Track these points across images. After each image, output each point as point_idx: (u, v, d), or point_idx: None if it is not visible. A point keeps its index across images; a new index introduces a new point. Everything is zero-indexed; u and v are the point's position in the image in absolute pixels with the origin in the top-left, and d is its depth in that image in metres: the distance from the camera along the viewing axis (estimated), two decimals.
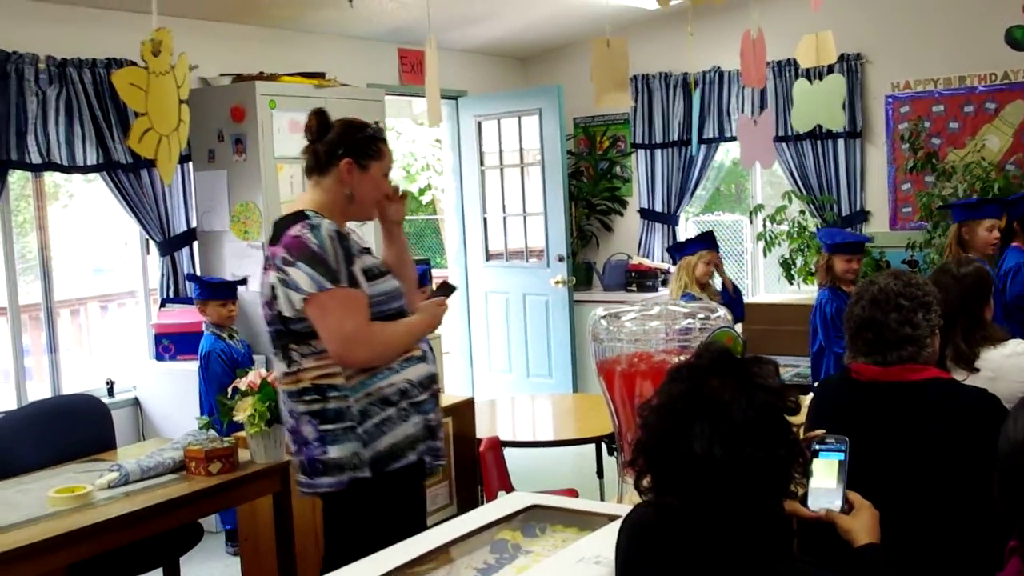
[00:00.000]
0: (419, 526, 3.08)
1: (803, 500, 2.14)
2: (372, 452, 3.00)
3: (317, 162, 3.13)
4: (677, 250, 5.96)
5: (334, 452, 2.99)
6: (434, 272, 8.28)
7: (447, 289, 3.40)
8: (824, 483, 2.15)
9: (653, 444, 1.83)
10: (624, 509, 2.75)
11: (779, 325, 6.30)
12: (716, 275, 5.94)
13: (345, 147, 3.09)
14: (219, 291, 5.46)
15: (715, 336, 2.77)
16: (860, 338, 2.60)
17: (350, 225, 3.17)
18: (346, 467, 2.99)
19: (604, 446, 4.96)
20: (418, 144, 14.26)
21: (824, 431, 2.23)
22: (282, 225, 3.05)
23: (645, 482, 1.89)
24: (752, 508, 1.77)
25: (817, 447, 2.18)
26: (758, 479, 1.76)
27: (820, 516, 2.12)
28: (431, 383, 3.17)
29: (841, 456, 2.15)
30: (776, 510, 1.85)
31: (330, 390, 2.99)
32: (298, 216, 3.02)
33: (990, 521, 1.92)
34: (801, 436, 2.09)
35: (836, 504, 2.12)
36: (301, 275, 2.92)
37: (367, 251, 3.14)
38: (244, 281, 5.61)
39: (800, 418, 1.89)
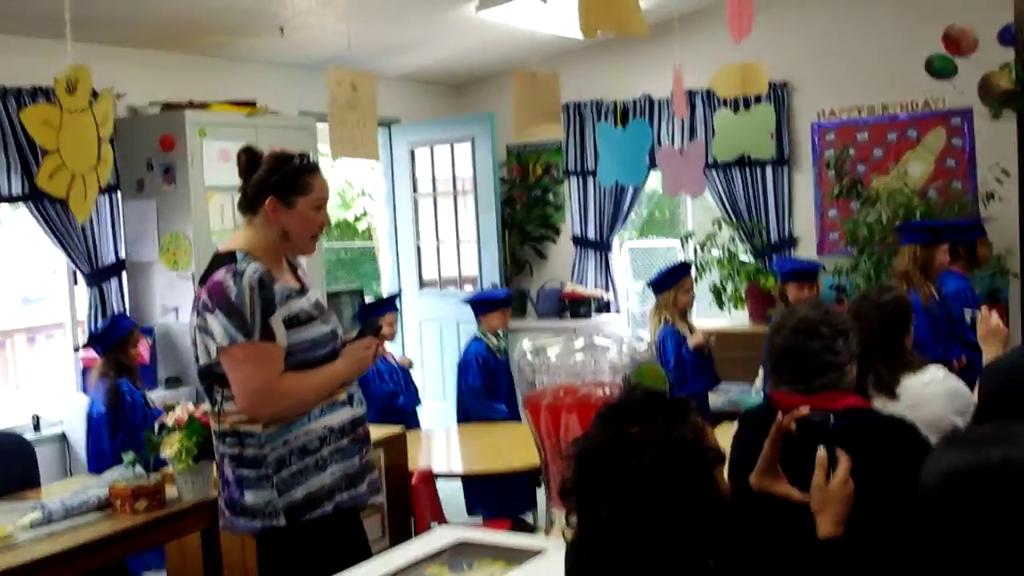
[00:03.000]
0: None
1: (792, 478, 2.21)
2: (287, 501, 2.94)
3: (247, 202, 3.08)
4: (658, 286, 5.97)
5: (249, 497, 2.96)
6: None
7: (372, 327, 3.31)
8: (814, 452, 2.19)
9: (576, 487, 1.85)
10: (550, 542, 2.77)
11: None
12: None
13: (268, 185, 3.03)
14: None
15: (640, 369, 2.81)
16: (782, 367, 2.62)
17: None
18: (259, 514, 2.95)
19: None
20: (353, 171, 14.22)
21: (808, 408, 2.28)
22: (211, 266, 3.00)
23: (572, 519, 1.91)
24: (676, 558, 1.79)
25: (802, 422, 2.23)
26: (676, 533, 1.78)
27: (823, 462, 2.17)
28: (355, 428, 3.11)
29: (828, 426, 2.22)
30: (703, 562, 1.87)
31: (248, 436, 2.95)
32: (227, 258, 2.97)
33: (906, 551, 1.96)
34: (725, 474, 2.12)
35: (821, 451, 2.18)
36: (217, 325, 2.87)
37: (300, 292, 3.07)
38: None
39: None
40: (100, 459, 5.15)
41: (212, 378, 2.98)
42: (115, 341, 5.26)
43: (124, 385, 5.21)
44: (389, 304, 6.23)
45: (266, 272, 2.94)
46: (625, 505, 1.77)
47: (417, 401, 6.15)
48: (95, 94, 3.80)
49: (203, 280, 2.98)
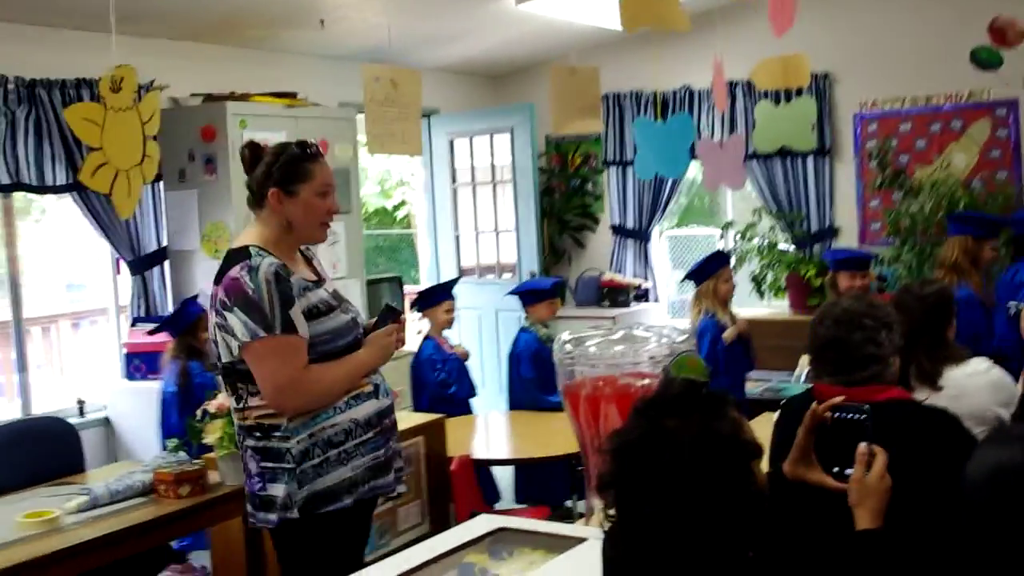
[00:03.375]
0: (353, 567, 2.99)
1: (827, 467, 2.20)
2: (307, 493, 2.94)
3: (253, 197, 3.07)
4: (697, 276, 5.96)
5: (271, 490, 2.95)
6: (406, 288, 8.29)
7: (392, 313, 3.23)
8: (850, 446, 2.18)
9: (614, 480, 1.86)
10: (590, 531, 2.78)
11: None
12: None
13: (269, 177, 3.02)
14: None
15: (679, 360, 2.81)
16: (824, 358, 2.61)
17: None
18: (278, 506, 2.95)
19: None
20: (393, 160, 14.27)
21: (843, 397, 2.28)
22: (226, 263, 2.99)
23: (611, 512, 1.92)
24: (715, 551, 1.80)
25: (838, 414, 2.21)
26: (714, 527, 1.79)
27: (845, 489, 2.16)
28: (380, 420, 3.10)
29: (866, 418, 2.18)
30: (742, 554, 1.87)
31: (273, 429, 2.95)
32: (241, 254, 2.96)
33: (950, 542, 1.95)
34: (765, 467, 2.12)
35: (863, 446, 2.16)
36: (237, 322, 2.87)
37: (317, 283, 3.07)
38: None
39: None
40: (171, 437, 5.23)
41: (235, 375, 2.97)
42: (186, 325, 5.34)
43: (194, 367, 5.29)
44: (446, 291, 6.18)
45: (281, 265, 2.93)
46: (663, 499, 1.78)
47: (472, 392, 6.07)
48: (141, 91, 3.84)
49: (218, 278, 2.97)
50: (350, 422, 3.00)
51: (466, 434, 5.46)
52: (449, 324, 6.10)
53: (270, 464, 2.96)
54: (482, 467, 5.13)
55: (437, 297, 6.10)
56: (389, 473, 3.13)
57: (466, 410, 6.00)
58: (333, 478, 2.96)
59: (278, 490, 2.94)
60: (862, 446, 2.17)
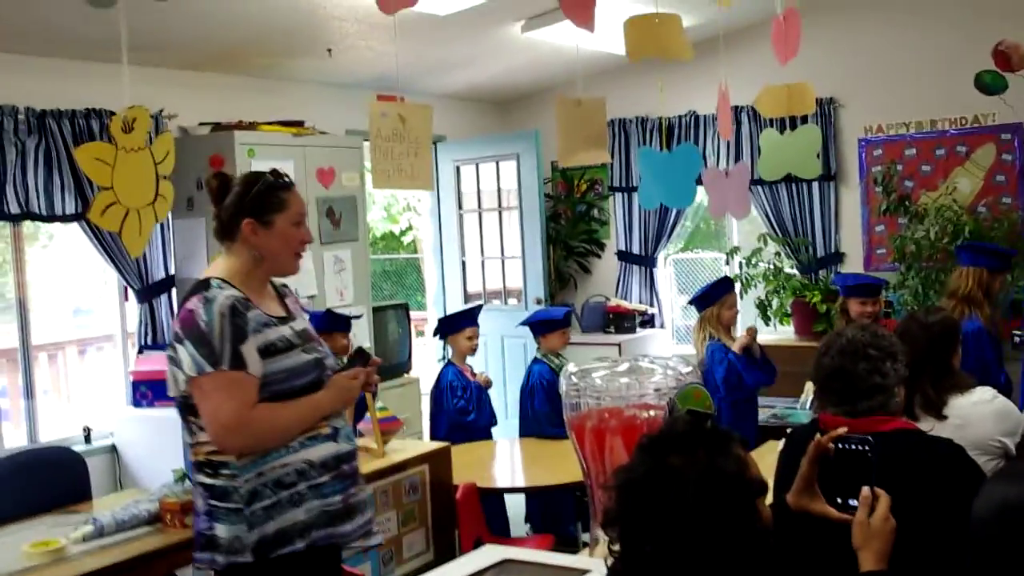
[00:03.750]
0: None
1: (830, 497, 2.20)
2: (258, 536, 2.81)
3: (222, 228, 2.99)
4: (701, 302, 5.97)
5: (219, 531, 2.83)
6: (413, 315, 8.30)
7: (361, 357, 3.17)
8: (854, 477, 2.18)
9: (618, 516, 1.87)
10: (593, 562, 2.78)
11: None
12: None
13: (243, 207, 2.94)
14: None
15: (684, 392, 2.81)
16: (830, 388, 2.61)
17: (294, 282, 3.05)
18: (226, 549, 2.82)
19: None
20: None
21: (847, 428, 2.28)
22: (187, 295, 2.91)
23: (615, 548, 1.93)
24: None
25: (841, 445, 2.21)
26: (719, 564, 1.79)
27: (849, 520, 2.15)
28: (338, 464, 2.95)
29: (869, 449, 2.18)
30: None
31: (221, 467, 2.84)
32: (201, 286, 2.88)
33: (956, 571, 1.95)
34: (769, 497, 2.12)
35: (866, 490, 2.15)
36: (185, 355, 2.78)
37: (282, 320, 2.97)
38: None
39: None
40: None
41: (187, 409, 2.88)
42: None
43: None
44: (469, 318, 6.15)
45: (242, 299, 2.85)
46: (667, 537, 1.79)
47: (492, 420, 6.04)
48: (155, 128, 3.85)
49: (179, 310, 2.90)
50: (303, 463, 2.87)
51: (472, 461, 5.47)
52: (472, 351, 6.08)
53: (217, 503, 2.84)
54: (490, 495, 5.12)
55: (459, 324, 6.08)
56: (350, 522, 2.98)
57: (486, 437, 5.99)
58: (284, 520, 2.83)
59: (224, 531, 2.82)
60: (865, 489, 2.17)
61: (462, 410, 5.87)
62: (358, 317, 5.86)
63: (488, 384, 6.10)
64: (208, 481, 2.86)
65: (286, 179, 3.03)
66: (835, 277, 6.18)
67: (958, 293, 5.36)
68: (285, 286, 3.16)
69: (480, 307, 6.47)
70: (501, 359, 8.08)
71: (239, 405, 2.77)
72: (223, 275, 2.91)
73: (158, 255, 6.05)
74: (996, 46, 7.02)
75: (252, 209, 2.93)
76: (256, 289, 2.96)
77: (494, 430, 6.14)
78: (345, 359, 3.15)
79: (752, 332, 5.96)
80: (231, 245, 2.97)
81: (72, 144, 5.52)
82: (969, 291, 5.33)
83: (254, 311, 2.86)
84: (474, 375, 6.07)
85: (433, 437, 6.02)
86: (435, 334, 6.31)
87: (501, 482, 5.17)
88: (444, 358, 6.18)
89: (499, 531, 5.43)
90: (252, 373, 2.80)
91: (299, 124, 6.31)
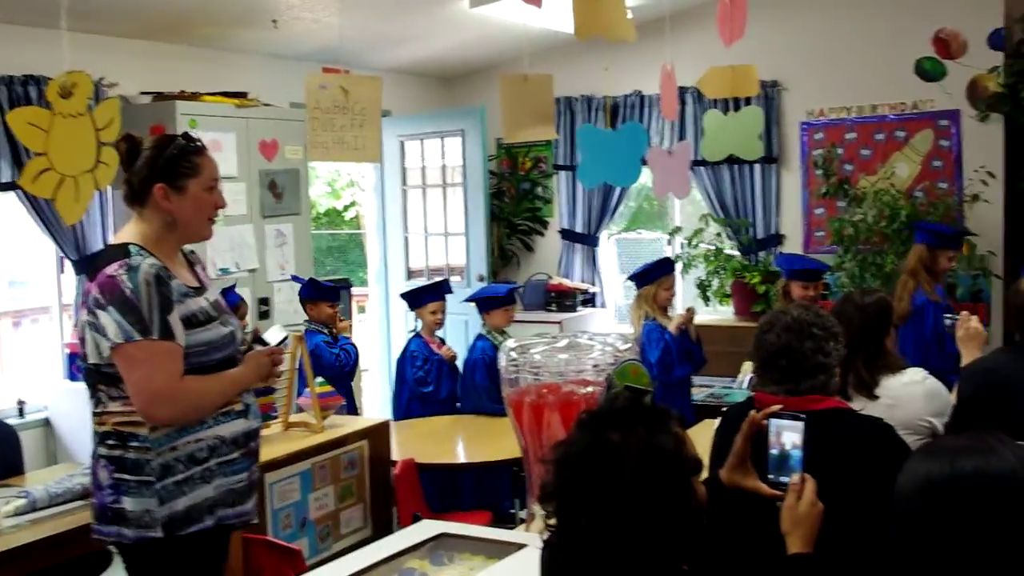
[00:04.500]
0: None
1: (763, 474, 2.23)
2: (168, 511, 2.77)
3: (133, 193, 2.89)
4: (640, 280, 6.00)
5: (126, 504, 2.77)
6: (354, 291, 8.28)
7: (261, 343, 3.15)
8: (785, 451, 2.22)
9: (556, 490, 1.89)
10: (530, 537, 2.81)
11: None
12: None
13: (154, 172, 2.86)
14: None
15: (622, 368, 2.84)
16: (775, 366, 2.61)
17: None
18: (135, 523, 2.77)
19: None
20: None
21: (781, 406, 2.30)
22: (101, 260, 2.82)
23: (551, 522, 1.94)
24: (651, 564, 1.83)
25: (775, 419, 2.25)
26: (653, 540, 1.82)
27: (780, 496, 2.19)
28: (247, 441, 2.95)
29: (802, 426, 2.20)
30: (677, 567, 1.90)
31: (132, 439, 2.78)
32: (119, 251, 2.79)
33: (882, 554, 1.99)
34: (705, 472, 2.15)
35: (796, 476, 2.19)
36: (110, 322, 2.70)
37: (197, 291, 2.92)
38: None
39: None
40: None
41: (98, 377, 2.81)
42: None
43: None
44: (432, 292, 6.13)
45: (163, 267, 2.79)
46: (603, 511, 1.81)
47: (453, 393, 6.02)
48: (98, 97, 3.79)
49: (92, 274, 2.81)
50: (215, 439, 2.85)
51: (412, 437, 5.47)
52: (436, 325, 6.07)
53: (125, 476, 2.77)
54: (430, 470, 5.13)
55: (422, 299, 6.07)
56: (250, 500, 2.98)
57: (449, 411, 5.99)
58: (195, 497, 2.81)
59: (133, 504, 2.77)
60: (795, 476, 2.20)
61: (420, 380, 5.90)
62: (347, 287, 5.85)
63: (452, 358, 6.09)
64: (115, 453, 2.80)
65: (198, 143, 2.95)
66: (778, 258, 6.27)
67: (905, 268, 5.72)
68: (193, 252, 3.09)
69: (445, 282, 6.39)
70: (443, 335, 8.05)
71: (170, 376, 2.74)
72: (138, 240, 2.84)
73: (96, 226, 5.96)
74: (936, 33, 7.15)
75: (164, 174, 2.85)
76: (169, 256, 2.89)
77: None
78: (261, 334, 3.12)
79: (691, 313, 6.01)
80: (142, 210, 2.89)
81: (9, 111, 5.42)
82: (912, 266, 5.64)
83: (175, 280, 2.82)
84: (442, 347, 6.06)
85: (395, 408, 6.05)
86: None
87: (440, 458, 5.18)
88: (414, 330, 6.16)
89: (438, 507, 5.44)
90: (179, 343, 2.77)
91: (242, 95, 6.24)
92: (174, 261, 2.91)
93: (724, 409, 4.18)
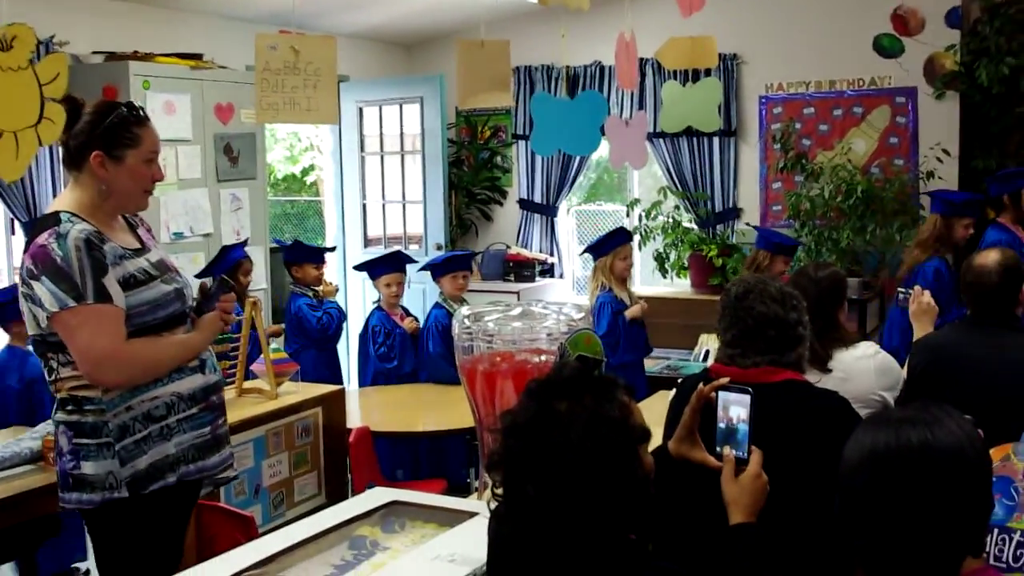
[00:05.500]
0: (176, 551, 2.91)
1: (711, 446, 2.23)
2: (130, 471, 2.78)
3: (70, 158, 2.85)
4: (595, 251, 6.01)
5: (87, 468, 2.78)
6: None
7: (224, 287, 3.08)
8: (732, 424, 2.22)
9: (503, 459, 1.88)
10: (481, 505, 2.81)
11: (652, 318, 6.43)
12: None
13: (93, 139, 2.81)
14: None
15: (575, 337, 2.84)
16: (761, 335, 2.55)
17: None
18: (98, 486, 2.78)
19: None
20: (302, 125, 14.09)
21: (729, 378, 2.30)
22: (35, 229, 2.79)
23: (499, 491, 1.94)
24: (597, 533, 1.83)
25: (723, 392, 2.24)
26: (599, 509, 1.82)
27: (730, 460, 2.18)
28: (207, 395, 2.96)
29: (748, 399, 2.20)
30: (624, 536, 1.90)
31: (87, 403, 2.78)
32: (50, 220, 2.76)
33: (828, 525, 2.00)
34: (661, 440, 2.16)
35: (743, 450, 2.19)
36: (44, 291, 2.68)
37: (137, 252, 2.88)
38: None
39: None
40: None
41: (45, 346, 2.80)
42: (225, 269, 5.30)
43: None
44: (385, 264, 6.03)
45: (94, 232, 2.75)
46: (550, 480, 1.81)
47: (415, 366, 5.93)
48: (47, 51, 3.69)
49: (27, 246, 2.78)
50: (172, 396, 2.86)
51: (367, 405, 5.46)
52: (394, 298, 5.98)
53: (85, 440, 2.78)
54: (384, 439, 5.13)
55: (375, 271, 6.01)
56: (217, 454, 3.00)
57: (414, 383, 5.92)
58: (155, 454, 2.82)
59: (94, 468, 2.77)
60: (727, 449, 2.21)
61: (383, 356, 5.84)
62: (332, 250, 6.09)
63: (415, 330, 6.00)
64: (72, 419, 2.80)
65: (141, 112, 2.90)
66: (761, 231, 6.25)
67: (918, 239, 5.93)
68: (136, 215, 3.05)
69: (397, 253, 6.26)
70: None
71: (111, 338, 2.72)
72: (71, 208, 2.80)
73: (47, 187, 5.86)
74: (894, 10, 7.19)
75: (102, 142, 2.81)
76: (106, 221, 2.85)
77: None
78: (212, 285, 3.07)
79: (646, 309, 6.04)
80: (78, 175, 2.85)
81: None
82: (924, 238, 5.86)
83: (109, 243, 2.78)
84: (404, 318, 5.99)
85: (360, 383, 6.01)
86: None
87: (395, 426, 5.17)
88: (376, 302, 6.09)
89: (393, 476, 5.44)
90: (118, 305, 2.74)
91: (197, 57, 6.15)
92: (111, 226, 2.88)
93: (680, 381, 4.20)
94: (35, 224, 2.85)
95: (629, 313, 5.89)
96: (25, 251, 2.77)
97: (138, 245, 2.92)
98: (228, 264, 5.41)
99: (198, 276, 5.39)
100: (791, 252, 6.02)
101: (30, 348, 4.92)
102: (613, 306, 5.87)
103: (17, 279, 5.90)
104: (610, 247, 5.94)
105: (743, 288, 2.61)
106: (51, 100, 3.49)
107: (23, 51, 3.52)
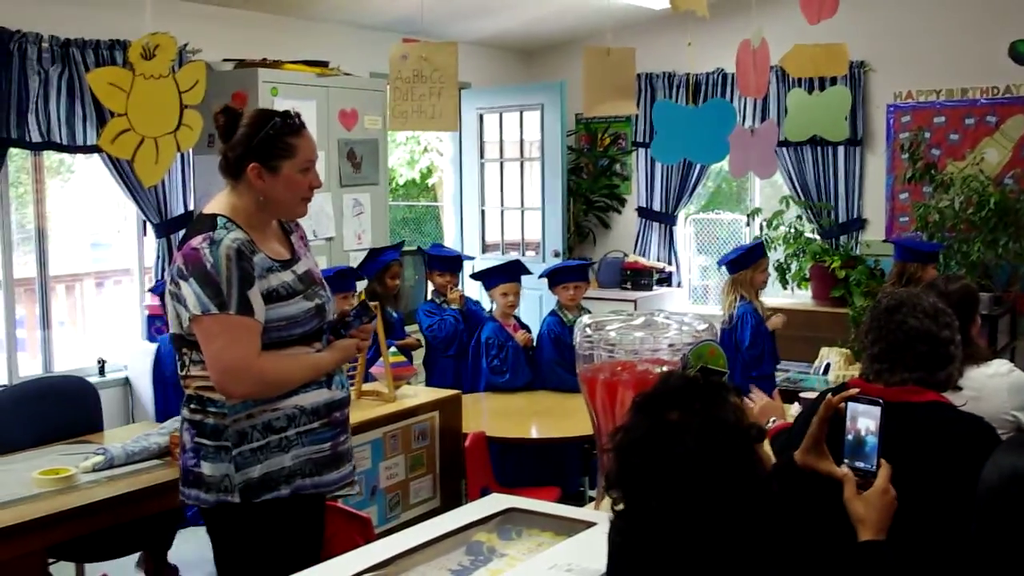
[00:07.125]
0: (309, 559, 2.83)
1: (838, 458, 2.18)
2: (243, 478, 2.78)
3: (228, 167, 2.88)
4: (736, 265, 5.95)
5: (205, 468, 2.81)
6: None
7: (365, 312, 3.06)
8: (860, 436, 2.17)
9: (621, 477, 1.86)
10: (599, 515, 2.78)
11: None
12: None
13: (249, 150, 2.83)
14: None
15: (699, 349, 2.79)
16: (911, 350, 2.42)
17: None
18: (214, 487, 2.80)
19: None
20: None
21: (858, 390, 2.24)
22: (192, 229, 2.84)
23: (618, 508, 1.92)
24: (726, 538, 1.80)
25: (852, 403, 2.19)
26: (723, 513, 1.78)
27: (850, 478, 2.14)
28: (330, 411, 2.93)
29: (879, 411, 2.14)
30: (753, 540, 1.86)
31: (210, 404, 2.80)
32: (207, 223, 2.80)
33: (962, 548, 1.92)
34: (773, 458, 2.11)
35: (871, 463, 2.13)
36: (190, 293, 2.71)
37: (285, 264, 2.88)
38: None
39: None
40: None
41: (182, 342, 2.84)
42: (375, 271, 5.48)
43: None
44: (501, 274, 5.95)
45: (247, 241, 2.78)
46: (672, 491, 1.78)
47: (527, 380, 5.82)
48: (182, 63, 3.80)
49: (181, 244, 2.83)
50: (294, 408, 2.84)
51: (483, 411, 5.47)
52: (510, 308, 5.90)
53: (205, 440, 2.81)
54: (499, 445, 5.13)
55: (490, 281, 5.95)
56: (336, 470, 2.97)
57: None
58: (270, 465, 2.81)
59: (212, 469, 2.80)
60: (844, 468, 2.16)
61: (496, 370, 5.75)
62: (459, 259, 6.23)
63: (528, 343, 5.90)
64: (196, 418, 2.83)
65: (297, 120, 2.91)
66: (901, 243, 6.03)
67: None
68: (290, 222, 3.07)
69: (515, 263, 6.11)
70: (516, 311, 8.05)
71: (244, 351, 2.73)
72: (228, 212, 2.84)
73: (178, 190, 6.05)
74: None
75: (258, 153, 2.83)
76: (260, 229, 2.88)
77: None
78: (354, 308, 3.08)
79: (785, 320, 6.04)
80: (236, 184, 2.88)
81: None
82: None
83: (259, 255, 2.80)
84: (518, 330, 5.89)
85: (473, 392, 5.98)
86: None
87: (511, 432, 5.17)
88: (490, 311, 6.04)
89: (506, 482, 5.43)
90: (258, 319, 2.76)
91: (323, 64, 6.26)
92: (265, 233, 2.90)
93: (800, 394, 4.11)
94: (192, 224, 2.89)
95: (771, 324, 5.86)
96: (178, 249, 2.82)
97: (288, 255, 2.93)
98: (378, 266, 5.49)
99: (349, 275, 5.47)
100: (936, 258, 5.93)
101: None
102: (755, 317, 5.82)
103: (150, 279, 6.11)
104: (750, 261, 5.91)
105: (895, 301, 2.49)
106: (189, 107, 3.58)
107: (165, 60, 3.62)
